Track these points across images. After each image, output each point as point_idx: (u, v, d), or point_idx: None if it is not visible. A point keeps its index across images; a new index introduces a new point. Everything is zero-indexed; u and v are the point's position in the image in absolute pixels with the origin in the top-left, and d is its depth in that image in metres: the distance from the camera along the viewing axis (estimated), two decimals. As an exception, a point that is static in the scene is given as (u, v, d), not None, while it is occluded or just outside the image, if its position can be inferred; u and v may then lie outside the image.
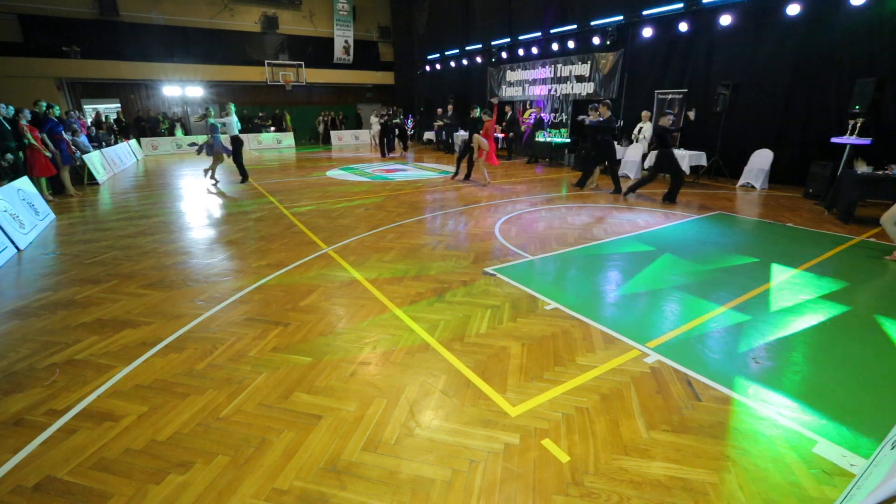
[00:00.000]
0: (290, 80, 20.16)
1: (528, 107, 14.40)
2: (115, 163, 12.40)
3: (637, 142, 10.25)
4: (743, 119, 8.97)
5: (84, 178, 9.95)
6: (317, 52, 20.94)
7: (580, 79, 12.42)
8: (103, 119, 15.80)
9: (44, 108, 8.47)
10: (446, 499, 1.82)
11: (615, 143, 8.59)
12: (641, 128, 10.12)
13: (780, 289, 3.86)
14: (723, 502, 1.78)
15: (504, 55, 14.72)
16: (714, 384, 2.53)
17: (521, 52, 13.99)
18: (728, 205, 7.21)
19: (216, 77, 19.10)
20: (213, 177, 9.83)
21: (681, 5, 9.63)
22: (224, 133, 9.54)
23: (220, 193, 8.94)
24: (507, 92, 15.19)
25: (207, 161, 10.31)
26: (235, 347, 3.02)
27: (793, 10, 7.93)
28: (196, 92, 19.38)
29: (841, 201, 6.17)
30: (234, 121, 9.49)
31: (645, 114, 10.11)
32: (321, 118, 21.28)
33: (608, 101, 8.55)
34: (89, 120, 14.98)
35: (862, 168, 6.12)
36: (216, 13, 18.87)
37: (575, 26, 12.17)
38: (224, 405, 2.42)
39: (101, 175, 10.47)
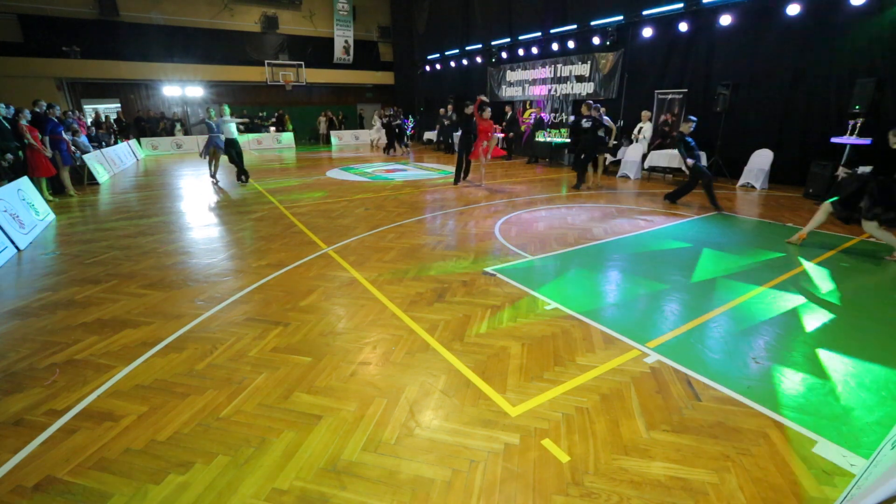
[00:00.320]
0: (290, 80, 20.17)
1: (528, 107, 14.40)
2: (114, 163, 12.41)
3: (637, 142, 10.25)
4: (743, 119, 8.96)
5: (84, 178, 9.96)
6: (317, 52, 20.94)
7: (580, 79, 12.42)
8: (103, 119, 15.80)
9: (44, 109, 8.47)
10: (446, 499, 1.82)
11: (605, 142, 8.66)
12: (641, 128, 10.12)
13: (780, 289, 3.86)
14: (723, 502, 1.78)
15: (504, 55, 14.72)
16: (714, 384, 2.53)
17: (521, 51, 13.99)
18: (728, 205, 7.20)
19: (216, 77, 19.12)
20: (213, 175, 9.95)
21: (681, 5, 9.63)
22: (221, 134, 9.55)
23: (221, 193, 8.95)
24: (507, 92, 15.19)
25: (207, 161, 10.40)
26: (235, 347, 3.02)
27: (793, 10, 7.92)
28: (196, 92, 19.38)
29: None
30: (231, 126, 9.34)
31: (645, 114, 10.10)
32: (323, 118, 21.22)
33: (590, 101, 8.85)
34: (89, 120, 14.99)
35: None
36: (216, 13, 18.88)
37: (575, 26, 12.16)
38: (224, 405, 2.42)
39: (101, 175, 10.48)
